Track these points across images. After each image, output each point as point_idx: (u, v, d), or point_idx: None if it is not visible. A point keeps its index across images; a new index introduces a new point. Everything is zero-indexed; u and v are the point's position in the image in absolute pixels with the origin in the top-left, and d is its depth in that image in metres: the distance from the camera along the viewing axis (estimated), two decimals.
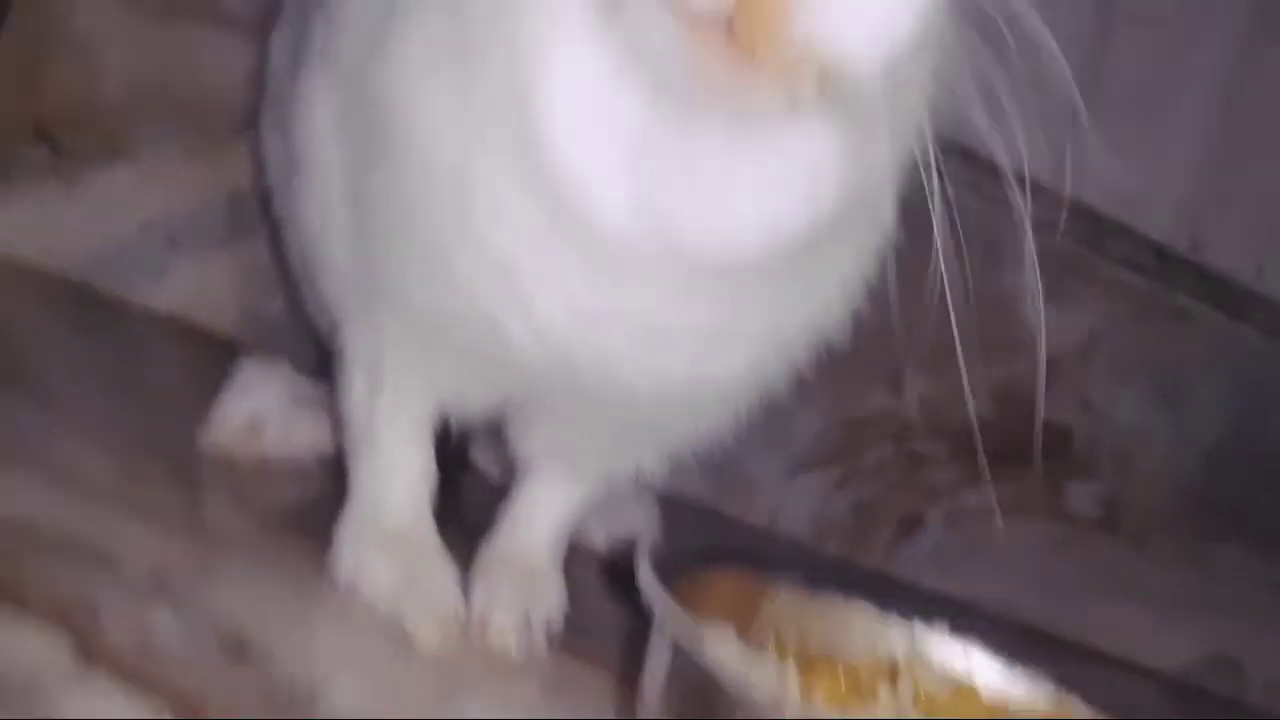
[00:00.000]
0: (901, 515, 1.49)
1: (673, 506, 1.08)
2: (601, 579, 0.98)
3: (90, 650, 0.53)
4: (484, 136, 0.59)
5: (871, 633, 0.72)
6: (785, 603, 0.69)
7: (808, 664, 0.68)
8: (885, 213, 0.67)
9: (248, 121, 1.12)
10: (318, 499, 0.87)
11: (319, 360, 0.89)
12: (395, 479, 0.75)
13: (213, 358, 1.11)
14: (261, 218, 1.10)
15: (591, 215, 0.58)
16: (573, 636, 0.79)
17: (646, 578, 0.57)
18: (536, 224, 0.60)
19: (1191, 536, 1.62)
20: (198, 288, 1.15)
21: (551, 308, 0.62)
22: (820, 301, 0.68)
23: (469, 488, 1.01)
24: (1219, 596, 1.63)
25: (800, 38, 0.48)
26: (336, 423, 0.83)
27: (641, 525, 1.00)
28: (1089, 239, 1.50)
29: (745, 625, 0.68)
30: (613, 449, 0.76)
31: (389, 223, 0.65)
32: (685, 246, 0.59)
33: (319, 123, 0.72)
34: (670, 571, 0.63)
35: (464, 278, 0.63)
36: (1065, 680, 1.40)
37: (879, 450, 1.47)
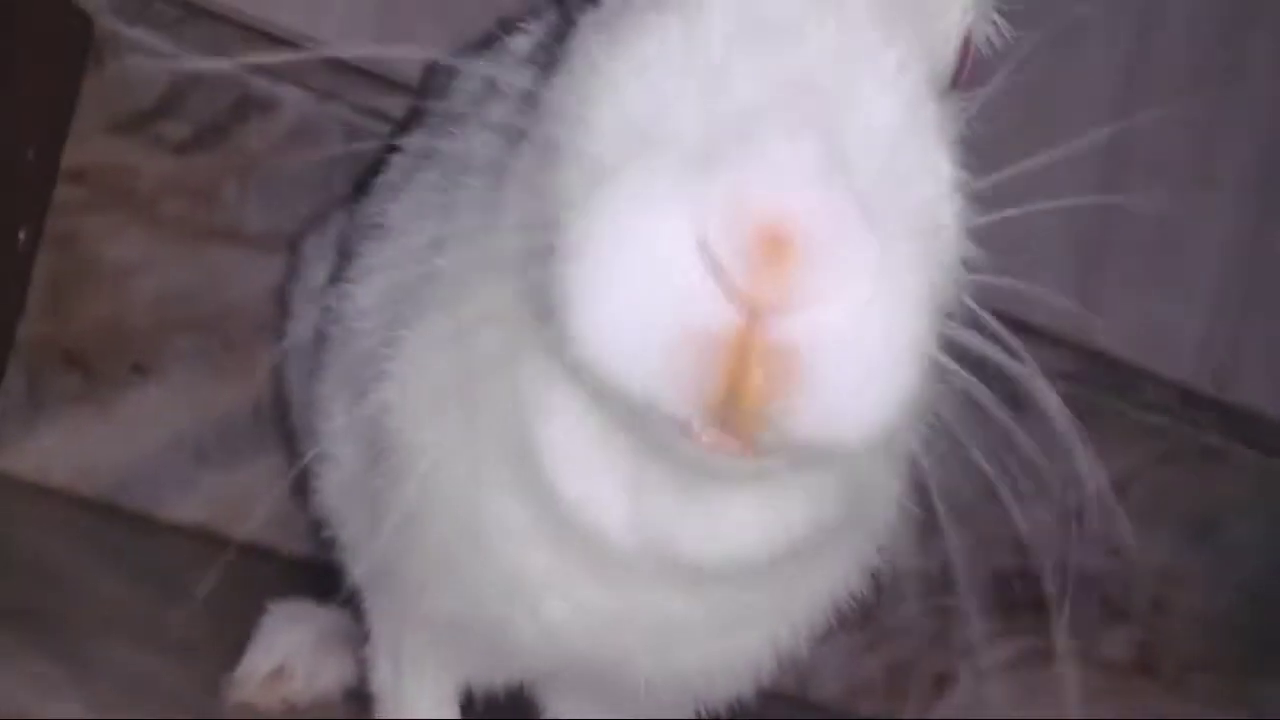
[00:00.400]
0: (934, 672, 1.47)
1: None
2: None
3: None
4: (488, 463, 0.61)
5: None
6: None
7: None
8: (893, 486, 0.68)
9: (271, 335, 1.15)
10: None
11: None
12: None
13: (242, 569, 1.13)
14: (283, 433, 1.12)
15: (594, 536, 0.59)
16: None
17: None
18: (541, 536, 0.62)
19: (1234, 675, 1.59)
20: (226, 497, 1.17)
21: (559, 611, 0.64)
22: (835, 577, 0.69)
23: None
24: None
25: (795, 436, 0.49)
26: (361, 655, 0.84)
27: None
28: (1112, 385, 1.50)
29: None
30: (637, 712, 0.77)
31: (399, 528, 0.66)
32: (686, 560, 0.60)
33: (335, 422, 0.74)
34: None
35: (472, 583, 0.65)
36: None
37: (908, 607, 1.46)
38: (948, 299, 0.55)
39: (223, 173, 1.15)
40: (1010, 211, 0.57)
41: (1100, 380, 1.49)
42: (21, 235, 1.14)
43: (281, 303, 1.08)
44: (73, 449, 1.12)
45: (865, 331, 0.48)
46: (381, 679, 0.77)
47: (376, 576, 0.74)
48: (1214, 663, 1.58)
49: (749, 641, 0.69)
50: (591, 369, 0.49)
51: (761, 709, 1.34)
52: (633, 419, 0.54)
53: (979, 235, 0.59)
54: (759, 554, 0.60)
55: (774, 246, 0.46)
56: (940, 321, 0.53)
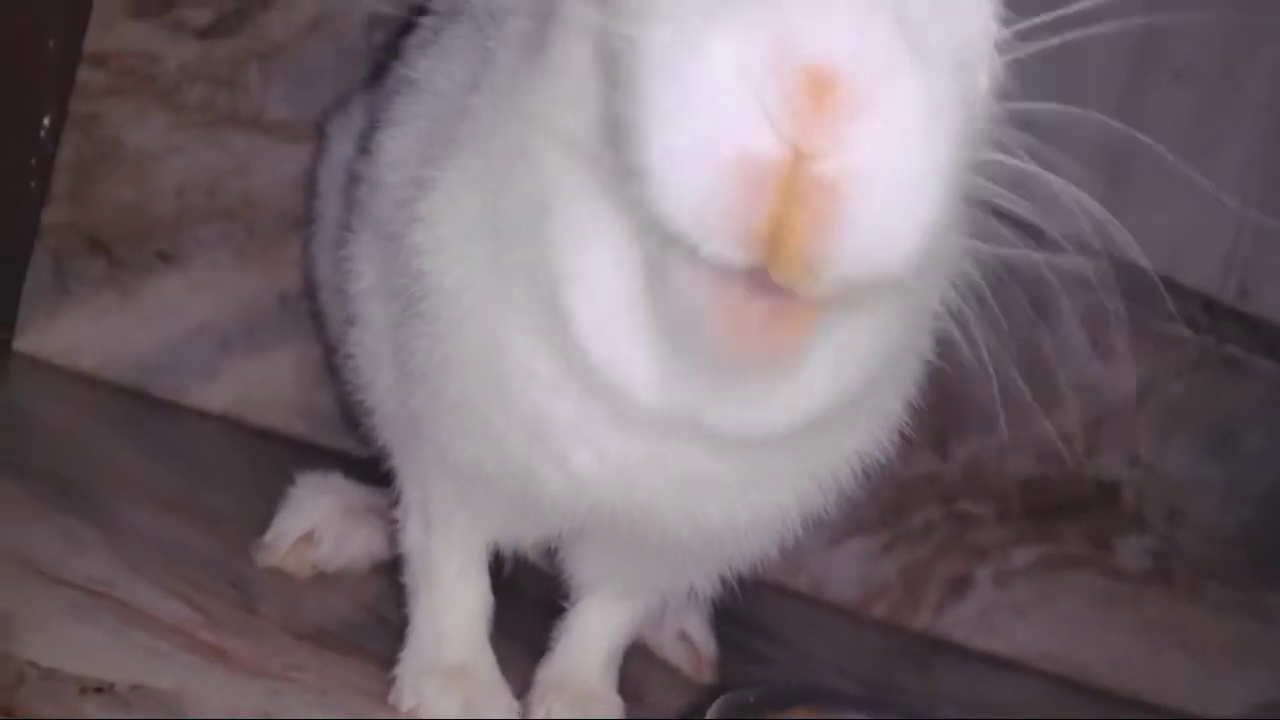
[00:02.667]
0: (950, 577, 1.48)
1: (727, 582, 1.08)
2: (658, 676, 0.99)
3: None
4: (515, 307, 0.61)
5: None
6: None
7: None
8: (922, 342, 0.68)
9: (295, 223, 1.15)
10: (371, 610, 0.89)
11: (371, 455, 0.91)
12: (453, 615, 0.76)
13: (266, 456, 1.14)
14: (312, 319, 1.13)
15: (622, 391, 0.60)
16: None
17: None
18: (568, 384, 0.62)
19: (1247, 585, 1.60)
20: (251, 386, 1.18)
21: (585, 460, 0.64)
22: (861, 436, 0.69)
23: (528, 584, 1.02)
24: (1275, 644, 1.61)
25: (835, 274, 0.50)
26: (389, 527, 0.85)
27: (692, 622, 1.01)
28: (1135, 294, 1.49)
29: None
30: (664, 574, 0.78)
31: (426, 378, 0.66)
32: (711, 427, 0.60)
33: (365, 281, 0.74)
34: (741, 716, 0.64)
35: (498, 432, 0.65)
36: None
37: (925, 513, 1.47)
38: (980, 130, 0.55)
39: (245, 59, 1.15)
40: (1053, 41, 0.57)
41: (1122, 288, 1.47)
42: (45, 122, 1.14)
43: (308, 185, 1.07)
44: (98, 334, 1.13)
45: (905, 170, 0.49)
46: (411, 538, 0.78)
47: (404, 432, 0.75)
48: (1228, 573, 1.59)
49: (775, 497, 0.69)
50: (657, 209, 0.49)
51: (778, 609, 1.36)
52: (669, 281, 0.54)
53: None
54: (780, 425, 0.61)
55: (819, 89, 0.47)
56: (971, 151, 0.54)
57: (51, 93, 1.13)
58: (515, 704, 0.76)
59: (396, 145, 0.70)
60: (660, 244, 0.53)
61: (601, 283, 0.58)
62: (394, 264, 0.68)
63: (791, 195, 0.48)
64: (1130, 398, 1.51)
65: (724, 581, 0.81)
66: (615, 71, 0.51)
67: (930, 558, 1.47)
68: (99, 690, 0.64)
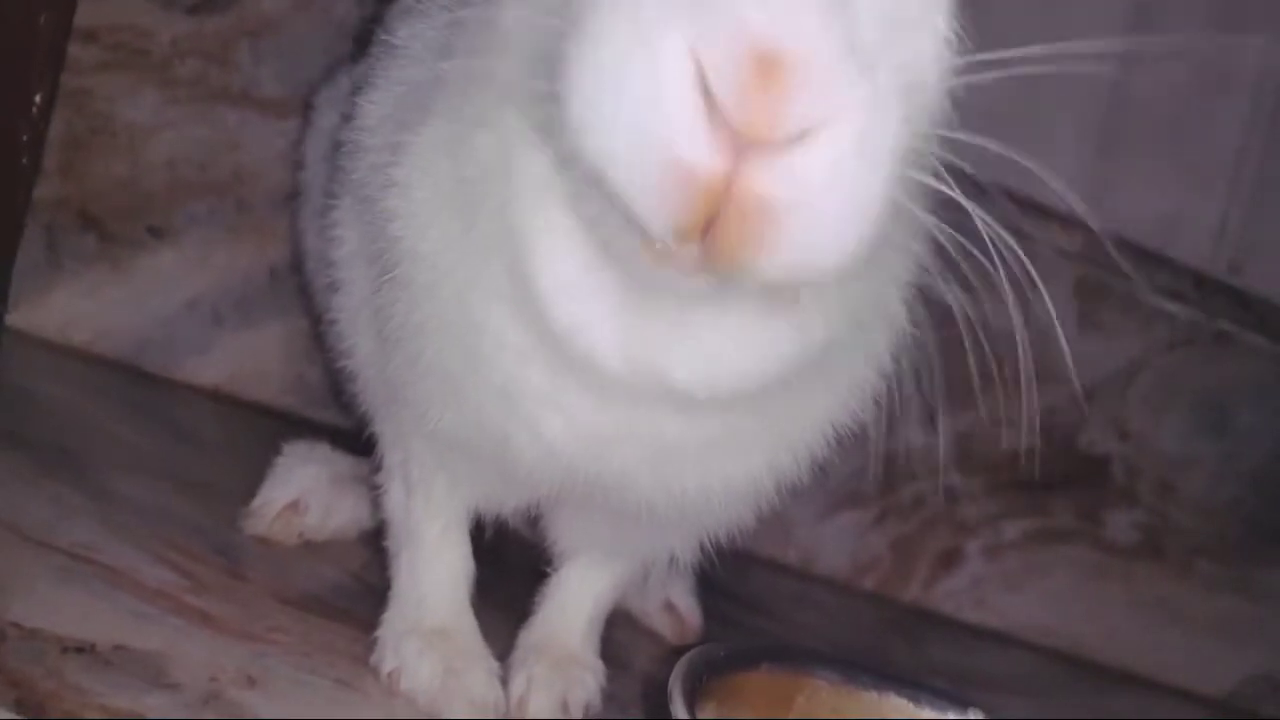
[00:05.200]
0: (940, 550, 1.49)
1: (707, 552, 1.10)
2: (643, 645, 1.00)
3: None
4: (485, 274, 0.62)
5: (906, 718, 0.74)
6: (819, 696, 0.71)
7: None
8: (895, 309, 0.69)
9: (285, 198, 1.15)
10: (357, 578, 0.90)
11: (359, 427, 0.92)
12: (434, 578, 0.78)
13: (256, 429, 1.15)
14: (300, 294, 1.14)
15: (586, 355, 0.60)
16: (613, 710, 0.81)
17: (680, 714, 0.59)
18: (538, 353, 0.63)
19: (1237, 561, 1.61)
20: (241, 361, 1.19)
21: (556, 428, 0.65)
22: (832, 402, 0.70)
23: (510, 553, 1.03)
24: (1265, 619, 1.62)
25: (761, 277, 0.51)
26: (375, 497, 0.86)
27: (677, 590, 1.02)
28: (1125, 268, 1.50)
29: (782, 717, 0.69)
30: (643, 540, 0.79)
31: (403, 343, 0.67)
32: (677, 388, 0.61)
33: (347, 247, 0.75)
34: (705, 673, 0.65)
35: (471, 398, 0.66)
36: (1106, 708, 1.40)
37: (916, 486, 1.48)
38: (921, 152, 0.56)
39: (236, 35, 1.15)
40: (996, 74, 0.57)
41: (1112, 263, 1.48)
42: (37, 99, 1.15)
43: (295, 158, 1.08)
44: (91, 309, 1.14)
45: (841, 189, 0.50)
46: (393, 503, 0.79)
47: (384, 397, 0.76)
48: (1219, 549, 1.60)
49: (749, 464, 0.70)
50: (590, 162, 0.50)
51: (768, 582, 1.37)
52: (601, 220, 0.55)
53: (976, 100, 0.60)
54: (749, 382, 0.61)
55: (767, 67, 0.47)
56: (909, 171, 0.54)
57: (43, 69, 1.14)
58: (496, 666, 0.77)
59: (375, 109, 0.70)
60: (595, 201, 0.54)
61: (561, 242, 0.58)
62: (371, 229, 0.69)
63: (725, 203, 0.49)
64: (1119, 372, 1.52)
65: (711, 552, 0.82)
66: (568, 21, 0.51)
67: (920, 531, 1.48)
68: (80, 650, 0.65)
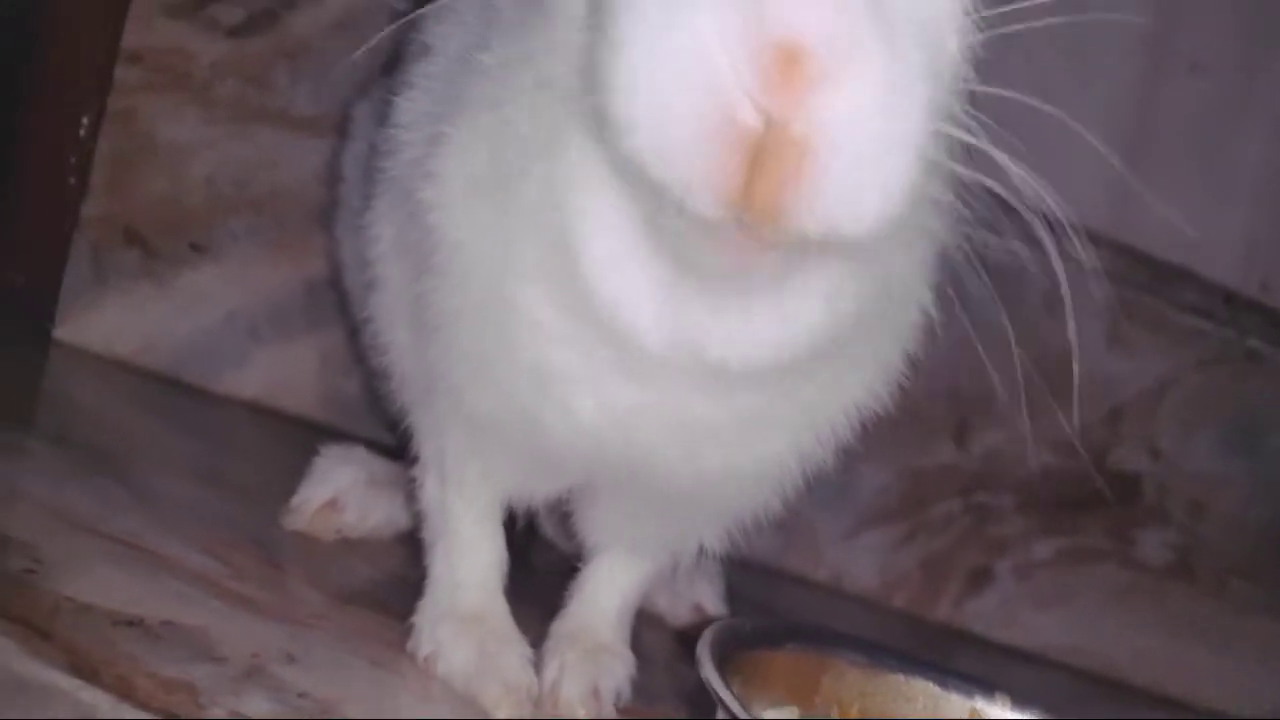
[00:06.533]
0: (970, 568, 1.49)
1: (737, 566, 1.10)
2: (670, 644, 1.01)
3: None
4: (520, 255, 0.64)
5: (933, 703, 0.74)
6: (846, 678, 0.71)
7: None
8: (921, 292, 0.70)
9: (322, 215, 1.19)
10: (394, 575, 0.92)
11: (395, 438, 0.94)
12: (469, 565, 0.79)
13: (294, 440, 1.17)
14: (338, 308, 1.16)
15: (627, 334, 0.62)
16: (640, 704, 0.82)
17: (709, 675, 0.60)
18: (570, 333, 0.65)
19: (1271, 581, 1.59)
20: (278, 374, 1.21)
21: (588, 407, 0.66)
22: (859, 384, 0.71)
23: (539, 556, 1.05)
24: None
25: (800, 228, 0.53)
26: (411, 500, 0.87)
27: (707, 595, 1.03)
28: (1154, 286, 1.50)
29: (807, 700, 0.70)
30: (671, 529, 0.80)
31: (439, 331, 0.70)
32: (713, 360, 0.62)
33: (384, 241, 0.78)
34: (734, 651, 0.66)
35: (504, 380, 0.68)
36: None
37: (946, 504, 1.48)
38: (947, 110, 0.58)
39: (274, 57, 1.19)
40: (1022, 26, 0.59)
41: (1141, 281, 1.49)
42: (85, 121, 1.19)
43: (332, 174, 1.11)
44: (134, 323, 1.17)
45: (872, 135, 0.52)
46: (428, 495, 0.81)
47: (420, 388, 0.78)
48: (1253, 570, 1.58)
49: (776, 444, 0.71)
50: (632, 157, 0.53)
51: (797, 599, 1.37)
52: (660, 214, 0.57)
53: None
54: (781, 353, 0.63)
55: (788, 62, 0.50)
56: (939, 128, 0.56)
57: (90, 92, 1.18)
58: (529, 652, 0.78)
59: (411, 106, 0.73)
60: (641, 188, 0.56)
61: (606, 219, 0.60)
62: (409, 222, 0.71)
63: (763, 152, 0.51)
64: (1149, 390, 1.51)
65: (739, 560, 0.83)
66: (601, 24, 0.54)
67: (950, 549, 1.48)
68: (130, 624, 0.67)
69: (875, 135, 0.52)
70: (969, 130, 0.59)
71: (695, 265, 0.60)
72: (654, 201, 0.56)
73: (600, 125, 0.54)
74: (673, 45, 0.51)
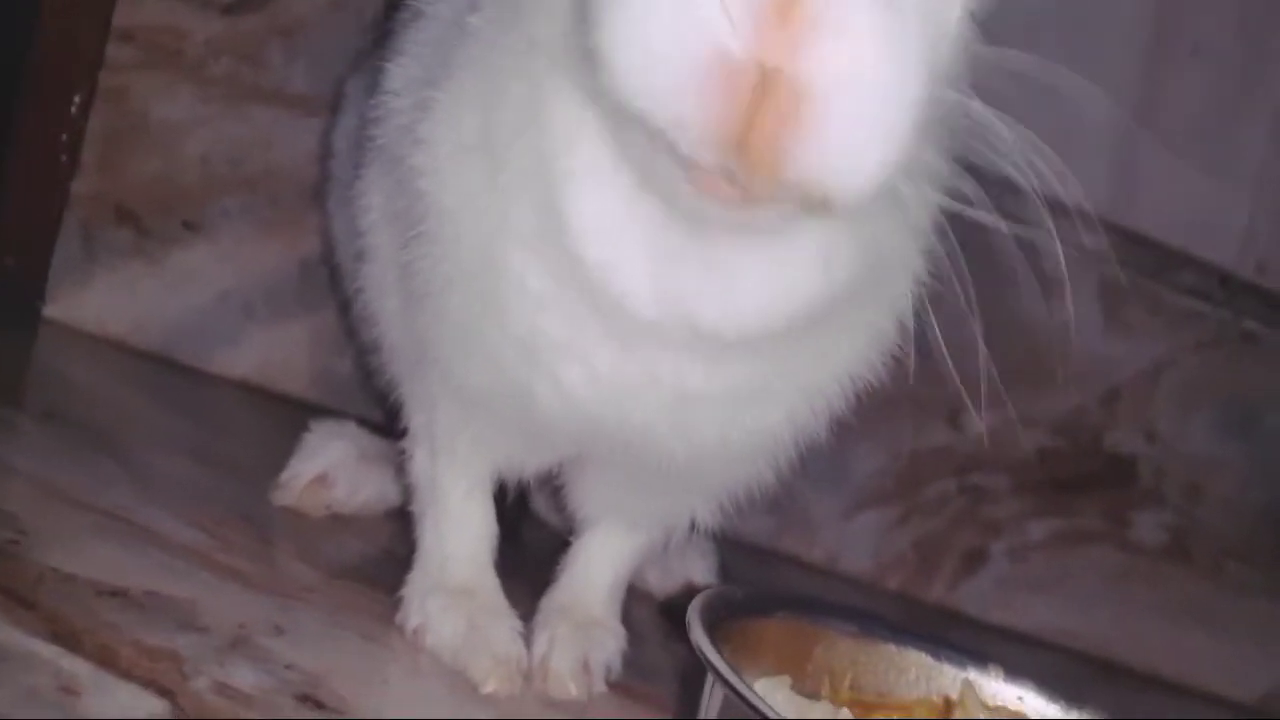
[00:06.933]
0: (964, 550, 1.49)
1: (732, 546, 1.10)
2: (661, 620, 1.01)
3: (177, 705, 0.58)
4: (509, 220, 0.64)
5: (925, 674, 0.74)
6: (838, 648, 0.71)
7: (862, 707, 0.70)
8: (914, 260, 0.70)
9: (315, 194, 1.18)
10: (384, 550, 0.92)
11: (386, 416, 0.93)
12: (459, 537, 0.79)
13: (285, 419, 1.17)
14: (330, 286, 1.16)
15: (619, 301, 0.62)
16: (632, 678, 0.82)
17: (699, 639, 0.59)
18: (560, 301, 0.64)
19: (1267, 563, 1.59)
20: (271, 353, 1.21)
21: (578, 378, 0.66)
22: (852, 353, 0.70)
23: (530, 533, 1.05)
24: None
25: (792, 182, 0.52)
26: (401, 476, 0.87)
27: (699, 571, 1.03)
28: (1151, 268, 1.50)
29: (799, 670, 0.70)
30: (663, 502, 0.79)
31: (429, 298, 0.69)
32: (706, 326, 0.62)
33: (374, 211, 0.77)
34: (724, 620, 0.66)
35: (494, 350, 0.67)
36: (1134, 711, 1.38)
37: (940, 485, 1.48)
38: (947, 75, 0.57)
39: (268, 35, 1.18)
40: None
41: (1138, 263, 1.48)
42: (76, 99, 1.18)
43: (325, 148, 1.11)
44: (126, 302, 1.17)
45: (871, 82, 0.51)
46: (418, 467, 0.81)
47: (410, 358, 0.77)
48: (1249, 552, 1.58)
49: (768, 414, 0.70)
50: (625, 99, 0.52)
51: (792, 580, 1.37)
52: (644, 155, 0.56)
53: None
54: (775, 320, 0.62)
55: (787, 2, 0.49)
56: (938, 92, 0.56)
57: (82, 70, 1.17)
58: (519, 625, 0.78)
59: (401, 72, 0.72)
60: (636, 135, 0.55)
61: (597, 181, 0.60)
62: (398, 189, 0.71)
63: (762, 94, 0.50)
64: (1145, 372, 1.51)
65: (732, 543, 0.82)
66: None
67: (945, 531, 1.47)
68: (114, 594, 0.66)
69: (875, 85, 0.51)
70: (968, 102, 0.59)
71: (687, 215, 0.58)
72: (647, 149, 0.55)
73: (593, 69, 0.53)
74: None
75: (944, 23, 0.57)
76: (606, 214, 0.61)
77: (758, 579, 1.28)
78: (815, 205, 0.54)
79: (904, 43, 0.52)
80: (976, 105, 0.59)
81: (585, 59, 0.54)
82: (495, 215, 0.64)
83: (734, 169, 0.52)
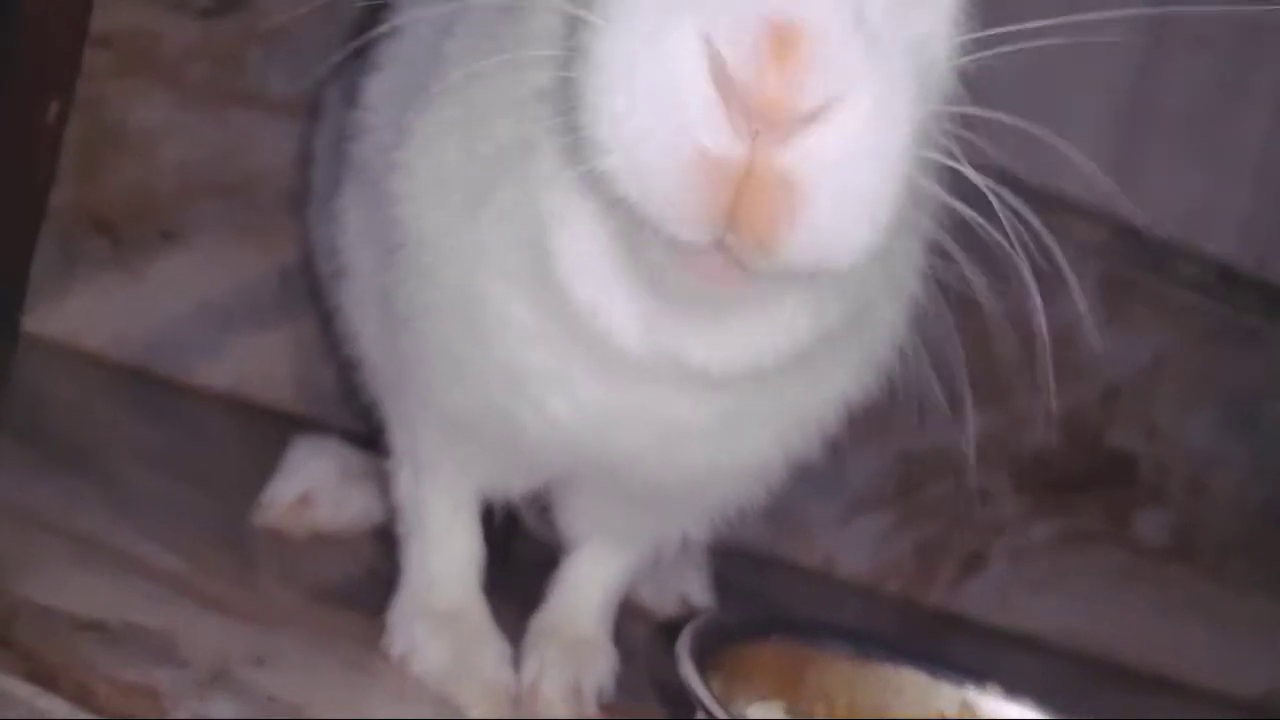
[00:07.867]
0: (964, 552, 1.47)
1: (728, 554, 1.08)
2: (658, 637, 0.99)
3: None
4: (491, 254, 0.62)
5: (922, 694, 0.72)
6: (833, 670, 0.69)
7: None
8: (910, 283, 0.68)
9: (295, 201, 1.16)
10: (369, 571, 0.90)
11: (369, 429, 0.91)
12: (444, 560, 0.77)
13: (267, 432, 1.15)
14: (310, 296, 1.14)
15: (606, 339, 0.61)
16: (624, 699, 0.80)
17: (688, 674, 0.58)
18: (545, 333, 0.63)
19: (1270, 561, 1.58)
20: (252, 364, 1.19)
21: (563, 406, 0.65)
22: (846, 378, 0.69)
23: (520, 549, 1.03)
24: None
25: (786, 258, 0.52)
26: (386, 493, 0.85)
27: (694, 586, 1.01)
28: (1151, 262, 1.48)
29: (794, 694, 0.68)
30: (654, 520, 0.78)
31: (409, 323, 0.67)
32: (694, 365, 0.61)
33: (352, 230, 0.75)
34: (717, 646, 0.64)
35: (477, 377, 0.66)
36: (1136, 710, 1.37)
37: (939, 486, 1.46)
38: (933, 131, 0.56)
39: (245, 38, 1.16)
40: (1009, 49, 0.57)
41: (1137, 257, 1.47)
42: (53, 107, 1.16)
43: (305, 155, 1.09)
44: (104, 314, 1.14)
45: (860, 168, 0.51)
46: (402, 488, 0.79)
47: (392, 380, 0.76)
48: (1252, 549, 1.57)
49: (758, 442, 0.69)
50: (610, 184, 0.51)
51: (789, 585, 1.36)
52: (635, 233, 0.55)
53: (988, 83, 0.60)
54: (765, 360, 0.61)
55: (781, 41, 0.48)
56: (924, 149, 0.55)
57: (59, 78, 1.15)
58: (507, 649, 0.76)
59: (378, 88, 0.71)
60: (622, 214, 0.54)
61: (584, 221, 0.59)
62: (376, 211, 0.69)
63: (749, 185, 0.50)
64: (1146, 368, 1.49)
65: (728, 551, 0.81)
66: (579, 51, 0.52)
67: (944, 533, 1.46)
68: (91, 627, 0.64)
69: (864, 171, 0.51)
70: (954, 155, 0.57)
71: (669, 287, 0.58)
72: (630, 221, 0.54)
73: (576, 142, 0.53)
74: (654, 71, 0.50)
75: (933, 75, 0.56)
76: (593, 255, 0.60)
77: (755, 587, 1.26)
78: (807, 278, 0.55)
79: (893, 122, 0.51)
80: (968, 171, 0.58)
81: (571, 128, 0.53)
82: (477, 246, 0.63)
83: (722, 244, 0.52)
